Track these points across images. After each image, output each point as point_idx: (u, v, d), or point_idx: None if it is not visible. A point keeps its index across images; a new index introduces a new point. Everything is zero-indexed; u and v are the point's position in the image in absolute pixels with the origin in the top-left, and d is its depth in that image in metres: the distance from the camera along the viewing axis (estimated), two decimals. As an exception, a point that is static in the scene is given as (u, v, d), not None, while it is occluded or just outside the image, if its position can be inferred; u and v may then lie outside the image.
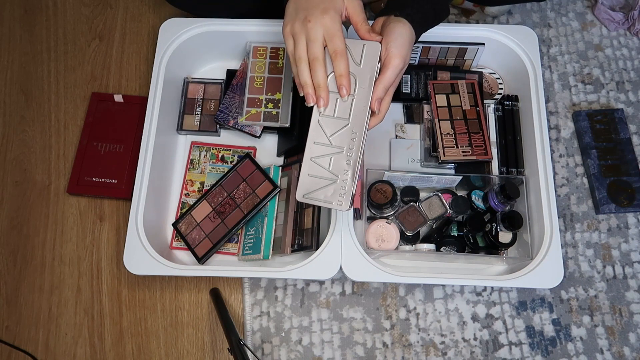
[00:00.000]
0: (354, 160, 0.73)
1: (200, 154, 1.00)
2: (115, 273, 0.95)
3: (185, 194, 0.98)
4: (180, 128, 1.02)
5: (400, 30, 0.73)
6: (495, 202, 0.91)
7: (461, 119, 0.97)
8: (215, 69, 1.06)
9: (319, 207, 0.90)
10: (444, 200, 0.91)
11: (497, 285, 0.89)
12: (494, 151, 0.98)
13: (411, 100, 1.02)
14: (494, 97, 1.03)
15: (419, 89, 1.03)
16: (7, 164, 1.03)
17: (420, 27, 0.76)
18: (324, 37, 0.70)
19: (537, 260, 0.85)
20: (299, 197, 0.74)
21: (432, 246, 0.90)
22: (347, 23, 0.77)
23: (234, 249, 0.94)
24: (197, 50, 1.01)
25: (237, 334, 0.83)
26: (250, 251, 0.91)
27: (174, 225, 0.95)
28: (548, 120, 0.99)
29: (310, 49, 0.71)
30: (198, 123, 1.02)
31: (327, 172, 0.74)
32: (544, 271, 0.84)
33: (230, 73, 1.03)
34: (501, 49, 0.99)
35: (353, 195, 0.73)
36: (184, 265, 0.88)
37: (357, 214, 0.91)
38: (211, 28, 0.99)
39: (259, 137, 1.00)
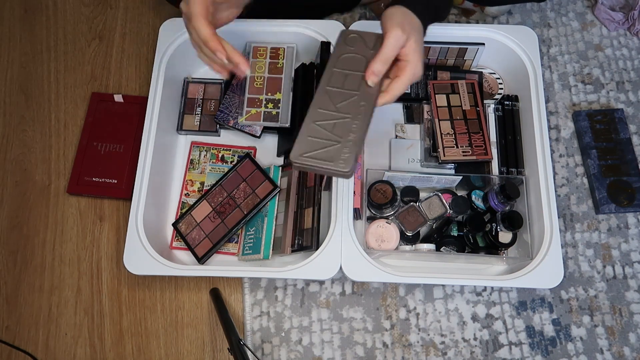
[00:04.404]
0: (360, 125, 0.72)
1: (200, 154, 1.00)
2: (115, 273, 0.95)
3: (185, 194, 0.98)
4: (180, 128, 1.02)
5: (392, 10, 0.74)
6: (495, 202, 0.91)
7: (461, 119, 0.97)
8: (215, 69, 1.06)
9: (319, 207, 0.90)
10: (444, 200, 0.91)
11: (497, 285, 0.89)
12: (494, 151, 0.98)
13: (411, 100, 1.02)
14: (494, 97, 1.03)
15: (419, 89, 1.03)
16: (7, 164, 1.03)
17: (421, 14, 0.75)
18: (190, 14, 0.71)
19: (537, 260, 0.85)
20: (294, 156, 0.71)
21: (432, 246, 0.90)
22: (350, 22, 0.76)
23: (234, 249, 0.94)
24: (197, 50, 1.01)
25: (237, 334, 0.83)
26: (250, 251, 0.91)
27: (174, 225, 0.95)
28: (548, 120, 0.99)
29: (192, 40, 0.74)
30: (198, 123, 1.02)
31: (330, 134, 0.72)
32: (544, 271, 0.84)
33: (231, 73, 1.03)
34: (501, 49, 0.99)
35: (356, 160, 0.71)
36: (184, 265, 0.88)
37: (357, 214, 0.91)
38: (211, 28, 0.98)
39: (259, 137, 1.00)
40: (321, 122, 0.73)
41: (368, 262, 0.84)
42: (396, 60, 0.73)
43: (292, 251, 0.90)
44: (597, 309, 0.92)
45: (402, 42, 0.71)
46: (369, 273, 0.84)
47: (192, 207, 0.95)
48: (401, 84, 0.73)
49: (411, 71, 0.72)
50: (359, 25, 0.98)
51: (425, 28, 0.77)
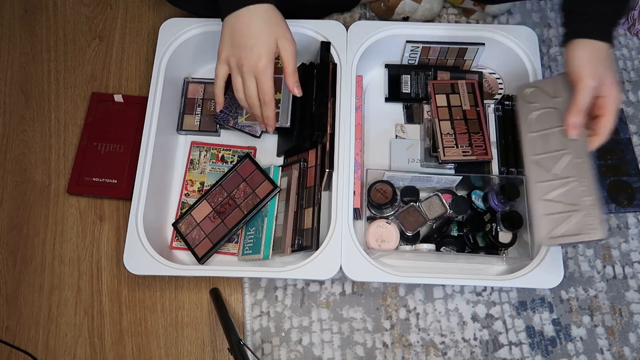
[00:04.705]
0: (588, 183, 0.70)
1: (200, 154, 1.00)
2: (115, 273, 0.95)
3: (185, 194, 0.98)
4: (180, 128, 1.02)
5: (575, 52, 0.73)
6: (495, 202, 0.91)
7: (461, 119, 0.97)
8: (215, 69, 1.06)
9: (319, 207, 0.90)
10: (444, 200, 0.91)
11: (497, 285, 0.89)
12: (494, 151, 0.98)
13: (411, 100, 1.03)
14: (494, 97, 1.03)
15: (419, 89, 1.03)
16: (7, 164, 1.03)
17: (604, 34, 0.74)
18: (256, 83, 0.78)
19: (537, 260, 0.85)
20: (542, 240, 0.71)
21: (432, 246, 0.90)
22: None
23: (234, 249, 0.94)
24: (197, 50, 1.01)
25: (237, 334, 0.83)
26: (250, 251, 0.92)
27: (174, 225, 0.95)
28: (548, 120, 0.99)
29: (246, 92, 0.79)
30: (198, 123, 1.02)
31: (564, 205, 0.71)
32: (544, 271, 0.84)
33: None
34: (501, 49, 0.99)
35: (602, 219, 0.69)
36: (184, 265, 0.88)
37: (357, 214, 0.91)
38: (211, 28, 0.99)
39: (259, 137, 1.00)
40: (548, 195, 0.72)
41: (368, 262, 0.84)
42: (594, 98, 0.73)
43: (292, 251, 0.90)
44: (597, 309, 0.92)
45: (596, 88, 0.71)
46: (369, 273, 0.84)
47: (192, 207, 0.95)
48: (609, 121, 0.73)
49: (613, 105, 0.72)
50: (359, 25, 0.98)
51: (612, 40, 0.75)
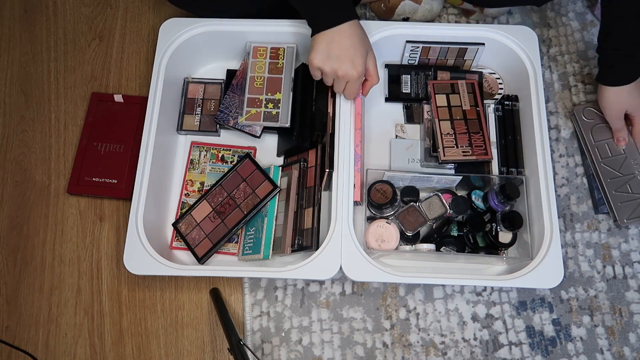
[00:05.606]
0: None
1: (200, 154, 1.00)
2: (115, 273, 0.95)
3: (185, 194, 0.98)
4: (180, 128, 1.02)
5: (600, 98, 0.94)
6: (495, 202, 0.91)
7: (461, 119, 0.97)
8: (215, 69, 1.06)
9: (319, 207, 0.90)
10: (444, 200, 0.91)
11: (497, 285, 0.89)
12: (494, 151, 0.98)
13: (411, 100, 1.03)
14: (494, 97, 1.03)
15: (419, 89, 1.03)
16: (7, 164, 1.03)
17: (625, 79, 0.91)
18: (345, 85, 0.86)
19: (537, 260, 0.85)
20: (623, 222, 0.92)
21: (432, 246, 0.90)
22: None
23: (234, 249, 0.94)
24: (197, 50, 1.01)
25: (237, 334, 0.83)
26: (250, 251, 0.92)
27: (174, 225, 0.95)
28: (548, 120, 0.99)
29: (336, 90, 0.89)
30: (198, 123, 1.02)
31: (632, 194, 0.93)
32: (544, 271, 0.84)
33: (230, 73, 1.03)
34: (501, 49, 0.99)
35: None
36: (184, 265, 0.88)
37: (357, 205, 0.91)
38: (211, 28, 0.99)
39: (259, 137, 1.00)
40: (619, 188, 0.94)
41: (368, 262, 0.84)
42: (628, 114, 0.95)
43: (292, 251, 0.90)
44: (597, 309, 0.92)
45: (621, 114, 0.94)
46: (369, 273, 0.84)
47: (192, 207, 0.95)
48: (637, 131, 0.96)
49: (638, 119, 0.94)
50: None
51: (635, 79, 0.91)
